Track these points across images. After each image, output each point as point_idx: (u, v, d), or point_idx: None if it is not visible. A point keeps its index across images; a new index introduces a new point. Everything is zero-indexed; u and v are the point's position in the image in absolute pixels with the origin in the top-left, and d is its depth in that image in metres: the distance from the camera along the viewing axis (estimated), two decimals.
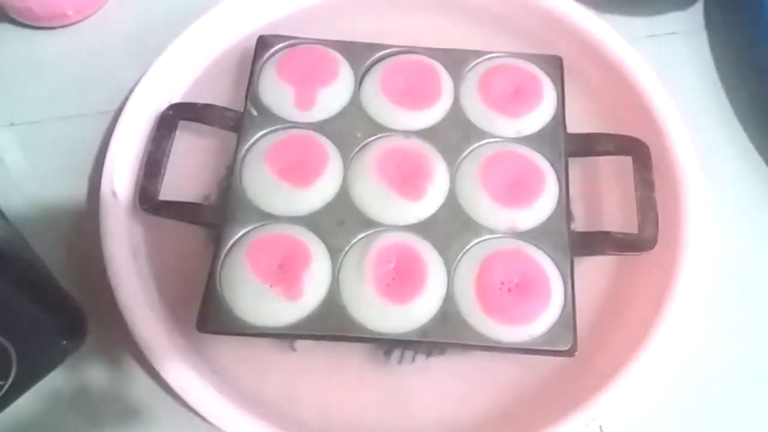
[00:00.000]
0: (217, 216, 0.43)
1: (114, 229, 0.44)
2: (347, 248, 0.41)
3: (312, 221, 0.42)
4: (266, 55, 0.48)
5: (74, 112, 0.51)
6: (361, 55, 0.48)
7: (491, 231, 0.42)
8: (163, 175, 0.44)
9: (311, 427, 0.41)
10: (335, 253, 0.41)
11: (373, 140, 0.45)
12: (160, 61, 0.49)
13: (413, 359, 0.42)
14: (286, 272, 0.40)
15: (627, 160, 0.44)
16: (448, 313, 0.40)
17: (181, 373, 0.40)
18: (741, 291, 0.45)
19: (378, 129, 0.45)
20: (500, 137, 0.45)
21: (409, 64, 0.47)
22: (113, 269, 0.42)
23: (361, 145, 0.45)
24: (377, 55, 0.48)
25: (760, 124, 0.50)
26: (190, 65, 0.50)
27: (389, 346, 0.42)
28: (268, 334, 0.40)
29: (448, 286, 0.40)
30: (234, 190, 0.43)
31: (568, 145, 0.45)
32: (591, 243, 0.43)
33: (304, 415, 0.41)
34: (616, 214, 0.46)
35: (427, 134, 0.45)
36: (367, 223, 0.42)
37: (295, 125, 0.45)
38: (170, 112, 0.46)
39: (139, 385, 0.42)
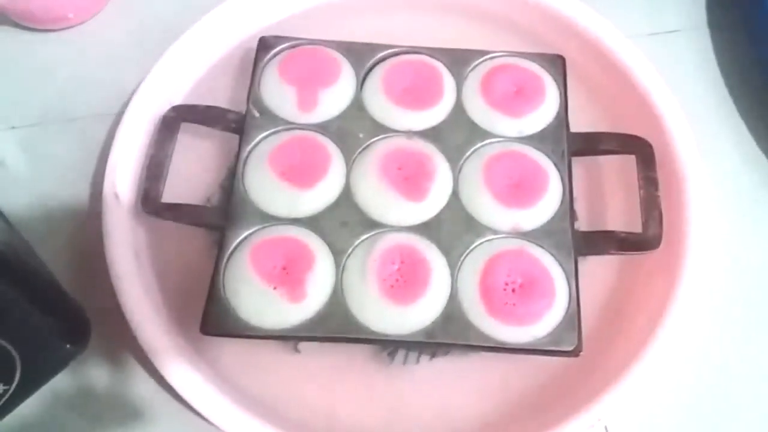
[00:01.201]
0: (219, 218, 0.43)
1: (116, 232, 0.43)
2: (350, 249, 0.41)
3: (315, 223, 0.42)
4: (268, 57, 0.48)
5: (76, 115, 0.51)
6: (362, 56, 0.48)
7: (494, 231, 0.42)
8: (166, 177, 0.44)
9: (315, 428, 0.41)
10: (338, 255, 0.41)
11: (375, 141, 0.45)
12: (162, 63, 0.49)
13: (417, 360, 0.42)
14: (290, 274, 0.40)
15: (630, 159, 0.44)
16: (452, 314, 0.40)
17: (184, 375, 0.40)
18: (746, 289, 0.45)
19: (380, 129, 0.45)
20: (503, 137, 0.45)
21: (411, 64, 0.47)
22: (116, 272, 0.42)
23: (364, 145, 0.45)
24: (379, 55, 0.48)
25: (763, 122, 0.50)
26: (191, 67, 0.50)
27: (393, 347, 0.42)
28: (272, 336, 0.40)
29: (452, 286, 0.40)
30: (236, 192, 0.43)
31: (571, 145, 0.45)
32: (595, 242, 0.43)
33: (308, 417, 0.41)
34: (620, 213, 0.46)
35: (429, 134, 0.45)
36: (371, 224, 0.42)
37: (298, 126, 0.45)
38: (172, 114, 0.46)
39: (143, 387, 0.42)
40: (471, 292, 0.40)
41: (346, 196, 0.43)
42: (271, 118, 0.45)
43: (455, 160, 0.44)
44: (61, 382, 0.41)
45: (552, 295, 0.40)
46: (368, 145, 0.45)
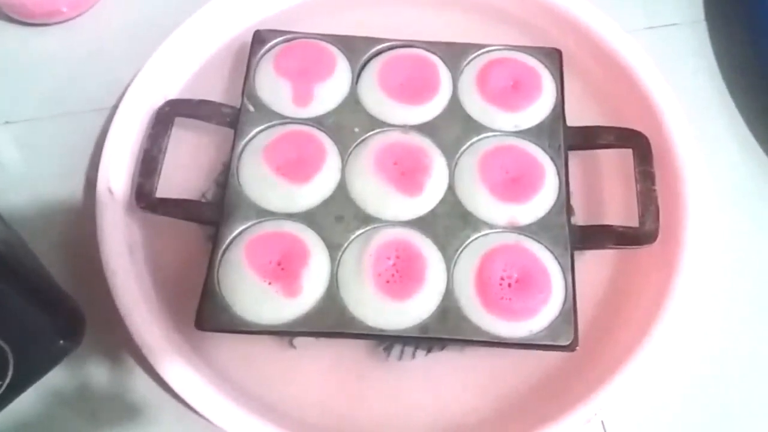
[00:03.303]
0: (214, 213, 0.42)
1: (111, 227, 0.43)
2: (346, 244, 0.41)
3: (310, 217, 0.42)
4: (263, 50, 0.47)
5: (70, 110, 0.51)
6: (358, 50, 0.48)
7: (491, 226, 0.42)
8: (160, 172, 0.44)
9: (311, 423, 0.41)
10: (334, 250, 0.41)
11: (371, 135, 0.44)
12: (156, 57, 0.48)
13: (413, 355, 0.42)
14: (285, 269, 0.40)
15: (627, 153, 0.44)
16: (448, 308, 0.40)
17: (179, 371, 0.40)
18: (743, 283, 0.45)
19: (376, 124, 0.45)
20: (499, 131, 0.45)
21: (407, 57, 0.47)
22: (110, 267, 0.42)
23: (359, 140, 0.44)
24: (375, 49, 0.48)
25: (760, 115, 0.50)
26: (185, 61, 0.50)
27: (389, 342, 0.42)
28: (267, 331, 0.40)
29: (448, 281, 0.40)
30: (231, 187, 0.43)
31: (567, 138, 0.45)
32: (591, 237, 0.42)
33: (304, 412, 0.41)
34: (617, 207, 0.46)
35: (425, 129, 0.45)
36: (366, 218, 0.42)
37: (293, 121, 0.45)
38: (166, 109, 0.46)
39: (138, 383, 0.42)
40: (467, 287, 0.40)
41: (342, 190, 0.43)
42: (266, 113, 0.45)
43: (451, 154, 0.44)
44: (55, 378, 0.41)
45: (548, 290, 0.40)
46: (364, 140, 0.44)
